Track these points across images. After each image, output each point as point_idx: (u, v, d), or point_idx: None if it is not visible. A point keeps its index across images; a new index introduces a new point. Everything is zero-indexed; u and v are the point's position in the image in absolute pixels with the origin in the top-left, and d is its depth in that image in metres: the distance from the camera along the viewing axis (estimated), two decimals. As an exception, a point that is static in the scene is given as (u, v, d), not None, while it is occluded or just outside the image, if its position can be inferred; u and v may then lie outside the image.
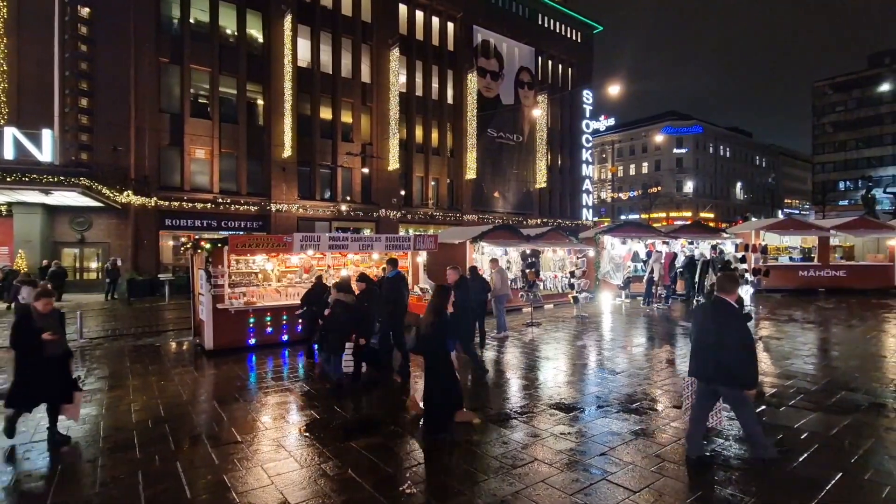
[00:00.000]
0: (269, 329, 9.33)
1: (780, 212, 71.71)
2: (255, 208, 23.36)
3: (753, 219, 46.98)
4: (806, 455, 4.42)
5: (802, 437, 4.84)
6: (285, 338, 9.47)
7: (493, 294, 10.27)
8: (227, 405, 6.09)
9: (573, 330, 10.96)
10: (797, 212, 75.28)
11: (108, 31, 20.08)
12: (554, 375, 7.33)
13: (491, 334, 10.06)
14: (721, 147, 72.10)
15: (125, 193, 19.70)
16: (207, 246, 8.95)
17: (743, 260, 17.48)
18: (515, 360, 8.35)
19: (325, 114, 25.83)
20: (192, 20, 21.92)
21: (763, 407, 5.71)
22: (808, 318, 12.12)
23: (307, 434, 5.14)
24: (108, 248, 20.23)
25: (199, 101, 22.32)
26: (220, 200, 22.27)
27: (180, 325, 12.17)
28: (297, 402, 6.24)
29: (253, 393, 6.61)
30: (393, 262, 8.21)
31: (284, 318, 9.48)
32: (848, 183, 68.09)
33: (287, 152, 23.68)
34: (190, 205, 21.49)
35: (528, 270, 13.77)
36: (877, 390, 6.30)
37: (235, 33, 23.13)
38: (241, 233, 22.36)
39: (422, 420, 5.15)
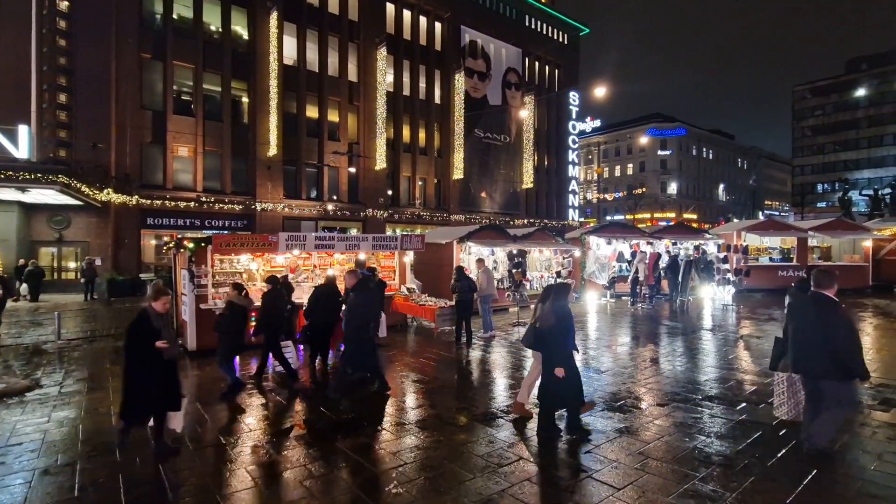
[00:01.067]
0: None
1: (760, 213, 73.17)
2: (240, 207, 23.08)
3: (735, 220, 47.97)
4: (785, 451, 4.53)
5: (781, 433, 4.95)
6: (270, 338, 9.35)
7: (479, 294, 10.33)
8: (210, 407, 6.01)
9: (559, 329, 11.02)
10: (777, 213, 76.94)
11: (89, 26, 19.65)
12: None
13: (478, 334, 10.09)
14: (704, 149, 73.36)
15: (105, 191, 19.30)
16: (190, 245, 8.83)
17: (725, 260, 17.82)
18: (502, 360, 8.39)
19: (312, 112, 25.63)
20: (175, 16, 21.57)
21: (744, 404, 5.83)
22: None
23: (293, 435, 5.10)
24: (88, 247, 19.80)
25: (183, 97, 21.97)
26: (204, 199, 21.95)
27: (162, 326, 11.94)
28: (283, 403, 6.18)
29: (237, 395, 6.52)
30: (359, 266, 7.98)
31: (269, 318, 9.37)
32: (826, 185, 69.83)
33: (272, 151, 23.44)
34: (173, 203, 21.14)
35: (514, 270, 13.82)
36: (852, 387, 6.47)
37: (220, 30, 22.81)
38: (226, 232, 22.07)
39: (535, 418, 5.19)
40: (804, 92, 74.76)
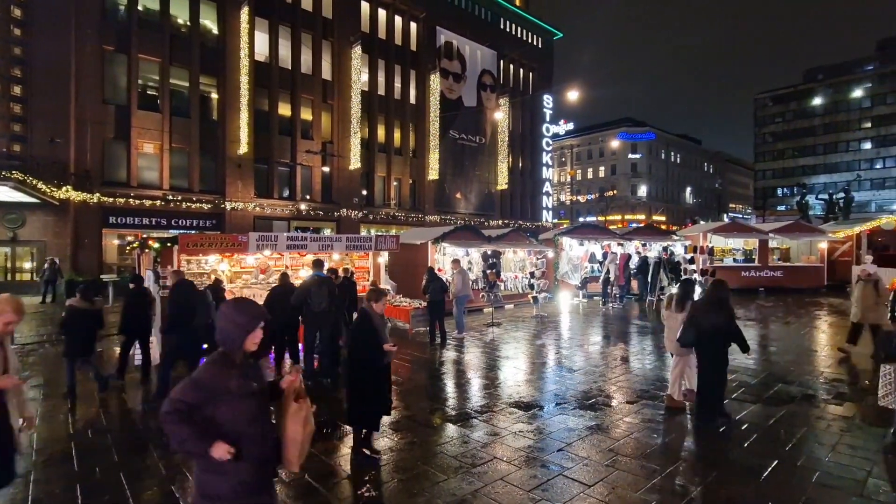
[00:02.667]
0: (223, 332, 8.97)
1: (725, 216, 75.78)
2: (209, 206, 22.43)
3: (702, 222, 49.57)
4: (746, 445, 4.70)
5: (743, 427, 5.14)
6: (240, 341, 9.13)
7: (455, 294, 10.35)
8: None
9: (532, 329, 11.17)
10: (740, 216, 79.93)
11: (46, 15, 18.74)
12: (513, 374, 7.44)
13: (451, 334, 10.11)
14: (672, 153, 75.61)
15: (64, 189, 18.43)
16: (156, 245, 8.54)
17: (692, 261, 18.39)
18: (476, 360, 8.42)
19: (284, 110, 25.15)
20: (140, 7, 20.78)
21: (708, 400, 6.02)
22: (750, 315, 12.87)
23: (262, 440, 4.98)
24: (45, 247, 18.86)
25: (148, 92, 21.20)
26: (171, 197, 21.24)
27: (125, 329, 11.49)
28: (252, 406, 6.03)
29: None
30: (318, 264, 7.44)
31: (239, 320, 9.14)
32: (785, 189, 72.99)
33: (243, 149, 22.89)
34: (137, 202, 20.37)
35: (489, 271, 13.92)
36: (809, 382, 6.78)
37: (188, 23, 22.13)
38: (193, 232, 21.40)
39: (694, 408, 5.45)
40: (765, 100, 78.01)
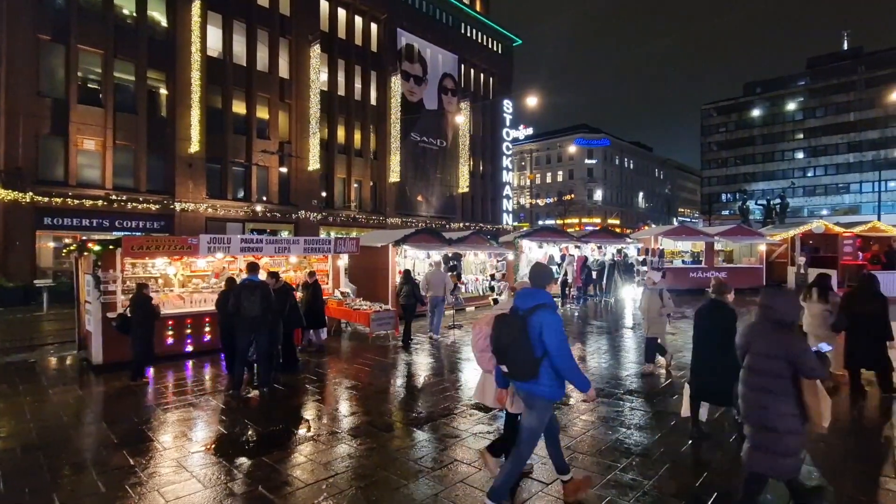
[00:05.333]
0: (171, 339, 8.55)
1: (675, 220, 79.72)
2: (157, 207, 21.32)
3: (653, 225, 51.82)
4: (692, 440, 4.91)
5: (688, 424, 5.36)
6: (190, 348, 8.72)
7: (433, 295, 10.48)
8: (118, 426, 5.46)
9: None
10: (689, 220, 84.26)
11: (-29, -1, 17.28)
12: (474, 376, 7.45)
13: (420, 334, 10.05)
14: (626, 159, 78.67)
15: (-8, 187, 17.02)
16: (96, 248, 8.00)
17: (644, 263, 19.15)
18: (437, 363, 8.40)
19: (239, 108, 24.30)
20: (80, -5, 19.54)
21: (659, 397, 6.26)
22: (697, 314, 13.52)
23: (213, 451, 4.76)
24: (-31, 251, 17.32)
25: (89, 85, 19.93)
26: (115, 197, 20.03)
27: (62, 338, 10.73)
28: (203, 417, 5.76)
29: (151, 411, 5.99)
30: (252, 268, 6.96)
31: (189, 326, 8.74)
32: (729, 195, 77.41)
33: (194, 147, 21.93)
34: (76, 201, 19.06)
35: (450, 273, 13.94)
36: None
37: (134, 14, 20.99)
38: (139, 233, 20.28)
39: None
40: (710, 110, 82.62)
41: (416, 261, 14.00)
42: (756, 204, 50.63)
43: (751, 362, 3.18)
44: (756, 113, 75.83)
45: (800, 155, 72.89)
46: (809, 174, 71.72)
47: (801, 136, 72.53)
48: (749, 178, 75.05)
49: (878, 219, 26.98)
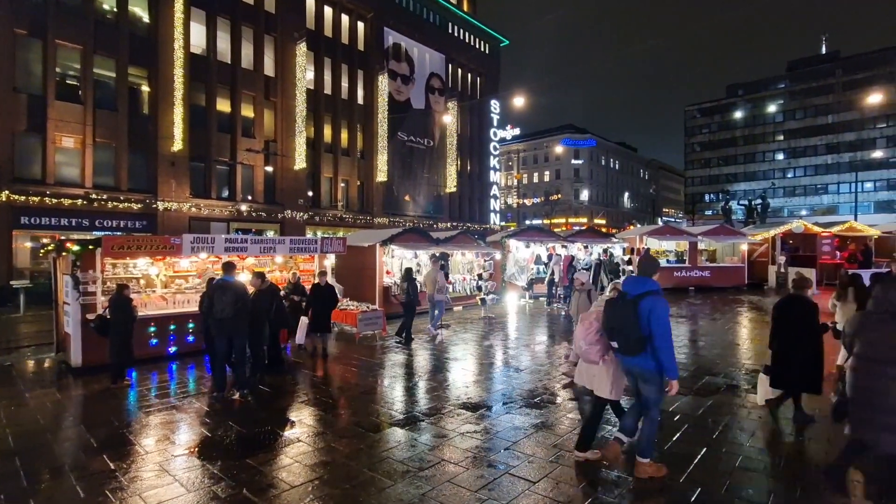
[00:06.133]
0: (154, 341, 8.39)
1: (659, 219, 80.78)
2: (139, 206, 20.93)
3: (638, 225, 52.45)
4: (679, 435, 4.99)
5: (675, 418, 5.45)
6: (173, 350, 8.58)
7: (429, 293, 10.60)
8: (98, 429, 5.34)
9: (480, 330, 11.30)
10: (673, 220, 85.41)
11: (-57, -9, 16.75)
12: (462, 375, 7.48)
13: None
14: (612, 160, 79.47)
15: (-34, 185, 16.52)
16: (75, 248, 7.81)
17: (629, 262, 19.36)
18: (424, 362, 8.39)
19: (223, 106, 23.97)
20: (58, -11, 19.08)
21: (644, 394, 6.34)
22: (681, 312, 13.72)
23: (196, 454, 4.68)
24: (-59, 251, 16.80)
25: (68, 82, 19.47)
26: (95, 196, 19.60)
27: (40, 340, 10.48)
28: (186, 420, 5.67)
29: (132, 414, 5.88)
30: (228, 268, 6.74)
31: (172, 327, 8.59)
32: (712, 195, 78.77)
33: (178, 145, 21.56)
34: (54, 200, 18.61)
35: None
36: (732, 373, 7.32)
37: (115, 9, 20.56)
38: (120, 233, 19.89)
39: None
40: (694, 112, 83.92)
41: (403, 260, 13.96)
42: (738, 204, 51.53)
43: (866, 351, 3.34)
44: (738, 114, 77.36)
45: (780, 156, 74.46)
46: (789, 175, 73.30)
47: (782, 137, 74.10)
48: (731, 178, 76.44)
49: (855, 219, 27.71)
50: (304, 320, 8.84)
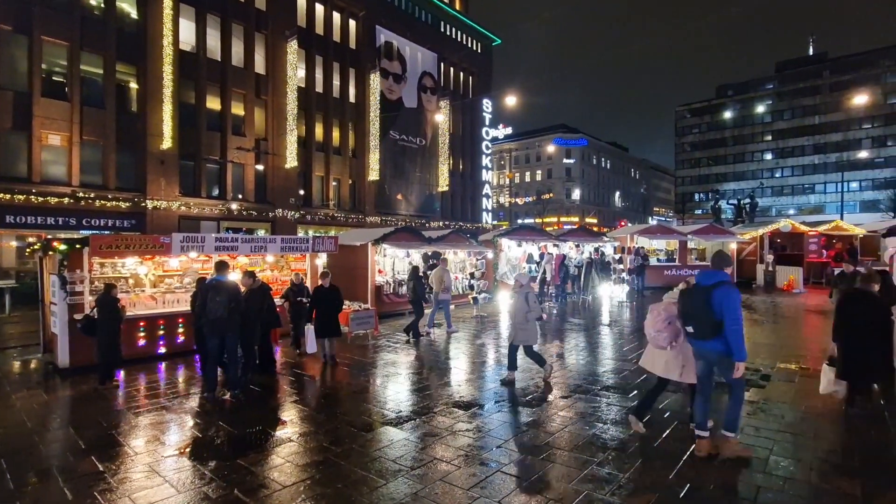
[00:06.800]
0: (143, 341, 8.31)
1: (650, 218, 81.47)
2: (127, 205, 20.68)
3: (629, 224, 52.85)
4: (668, 432, 5.03)
5: (665, 416, 5.50)
6: (163, 350, 8.50)
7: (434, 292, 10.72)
8: (86, 431, 5.28)
9: (473, 329, 11.32)
10: (663, 219, 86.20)
11: (-75, -15, 16.41)
12: (454, 374, 7.49)
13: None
14: (603, 159, 79.97)
15: (-51, 183, 16.22)
16: (62, 247, 7.71)
17: (620, 261, 19.51)
18: (416, 361, 8.39)
19: (213, 104, 23.74)
20: (44, -16, 18.77)
21: (635, 392, 6.40)
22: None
23: (187, 455, 4.65)
24: (-76, 250, 16.48)
25: (54, 78, 19.17)
26: (82, 195, 19.33)
27: (26, 341, 10.32)
28: (176, 420, 5.62)
29: (121, 415, 5.82)
30: (220, 267, 6.66)
31: (161, 327, 8.51)
32: (702, 195, 79.51)
33: (167, 143, 21.32)
34: (40, 199, 18.33)
35: (429, 272, 13.93)
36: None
37: (102, 5, 20.28)
38: (108, 232, 19.65)
39: None
40: (684, 112, 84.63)
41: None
42: (728, 203, 52.11)
43: None
44: (728, 115, 78.16)
45: (768, 156, 75.37)
46: (777, 175, 74.23)
47: (770, 137, 75.00)
48: (721, 178, 77.25)
49: (841, 218, 28.11)
50: (309, 328, 8.33)
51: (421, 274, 10.96)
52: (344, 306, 10.29)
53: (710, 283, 4.28)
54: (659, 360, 4.86)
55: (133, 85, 21.23)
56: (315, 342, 8.34)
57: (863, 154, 59.59)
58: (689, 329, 4.38)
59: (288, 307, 9.20)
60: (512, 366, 6.87)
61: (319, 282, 8.48)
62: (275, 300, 8.15)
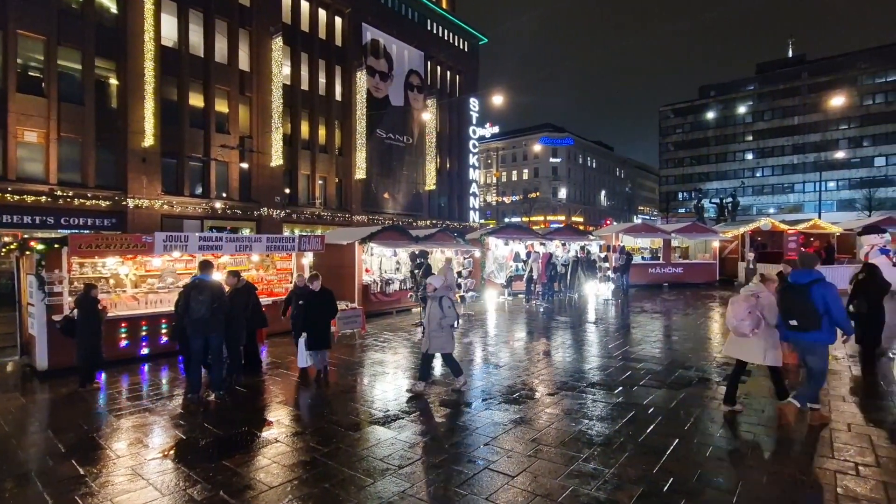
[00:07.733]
0: (125, 342, 8.16)
1: (635, 217, 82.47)
2: (108, 203, 20.25)
3: (614, 223, 53.45)
4: (653, 427, 5.11)
5: (650, 411, 5.59)
6: (145, 351, 8.36)
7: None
8: (66, 434, 5.17)
9: (461, 328, 11.34)
10: (648, 217, 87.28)
11: None
12: (442, 372, 7.50)
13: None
14: (588, 158, 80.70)
15: (-81, 181, 15.71)
16: (40, 247, 7.52)
17: (606, 259, 19.72)
18: (404, 360, 8.38)
19: (196, 101, 23.38)
20: (19, -23, 18.27)
21: (620, 388, 6.48)
22: (656, 308, 14.06)
23: (171, 457, 4.59)
24: None
25: (30, 74, 18.69)
26: (60, 193, 18.89)
27: (2, 343, 10.05)
28: (160, 422, 5.53)
29: (102, 417, 5.71)
30: (205, 266, 6.55)
31: (144, 328, 8.37)
32: (685, 194, 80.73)
33: (148, 141, 20.94)
34: (16, 197, 17.87)
35: (416, 271, 13.93)
36: (704, 367, 7.54)
37: (80, -1, 19.82)
38: (88, 231, 19.23)
39: None
40: (668, 112, 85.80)
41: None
42: (710, 202, 53.04)
43: None
44: (710, 115, 79.45)
45: (749, 156, 76.83)
46: (758, 174, 75.73)
47: (751, 137, 76.46)
48: (703, 177, 78.55)
49: (819, 217, 28.81)
50: (301, 342, 7.19)
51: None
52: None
53: (807, 280, 4.88)
54: (744, 347, 5.34)
55: (113, 81, 20.80)
56: (305, 356, 7.17)
57: (840, 154, 61.10)
58: (793, 322, 4.89)
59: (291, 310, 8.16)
60: (424, 376, 6.48)
61: (308, 285, 7.42)
62: (260, 300, 8.06)
